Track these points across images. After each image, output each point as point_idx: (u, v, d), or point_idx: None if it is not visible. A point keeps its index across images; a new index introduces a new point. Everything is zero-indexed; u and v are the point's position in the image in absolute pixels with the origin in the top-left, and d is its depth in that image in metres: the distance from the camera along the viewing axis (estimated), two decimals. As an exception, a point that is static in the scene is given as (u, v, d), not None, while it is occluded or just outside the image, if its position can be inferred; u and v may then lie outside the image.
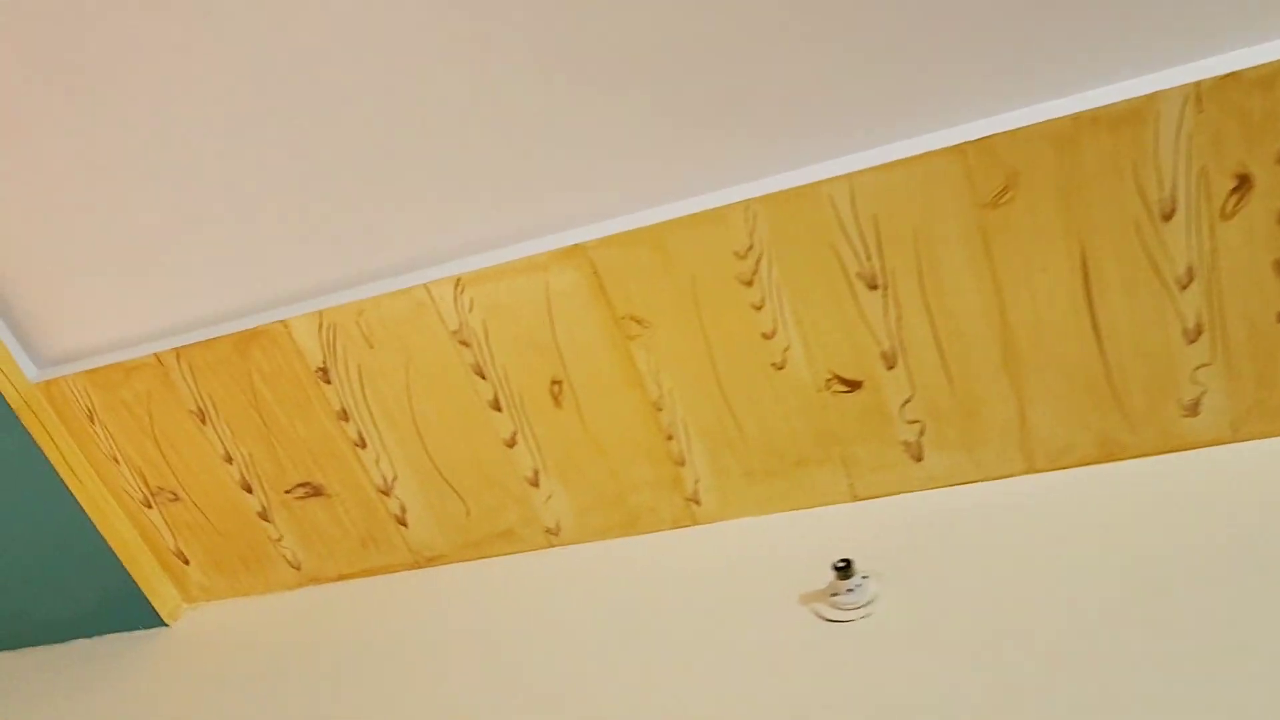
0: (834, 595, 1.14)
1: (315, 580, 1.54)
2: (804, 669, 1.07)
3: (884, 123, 1.07)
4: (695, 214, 1.12)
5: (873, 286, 1.13)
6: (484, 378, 1.29)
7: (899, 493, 1.26)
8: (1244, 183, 1.00)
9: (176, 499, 1.50)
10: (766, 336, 1.19)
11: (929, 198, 1.06)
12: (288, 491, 1.46)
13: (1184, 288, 1.06)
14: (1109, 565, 1.06)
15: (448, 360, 1.29)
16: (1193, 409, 1.13)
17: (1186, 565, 1.02)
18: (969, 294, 1.11)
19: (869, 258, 1.11)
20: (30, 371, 1.46)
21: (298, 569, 1.53)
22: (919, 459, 1.23)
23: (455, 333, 1.26)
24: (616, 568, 1.34)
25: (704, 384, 1.23)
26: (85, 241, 1.35)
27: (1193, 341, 1.09)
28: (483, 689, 1.21)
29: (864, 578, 1.14)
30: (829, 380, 1.20)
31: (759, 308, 1.17)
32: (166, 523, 1.53)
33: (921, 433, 1.21)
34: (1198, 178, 1.00)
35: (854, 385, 1.20)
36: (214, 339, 1.34)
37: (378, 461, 1.40)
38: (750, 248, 1.13)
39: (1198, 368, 1.10)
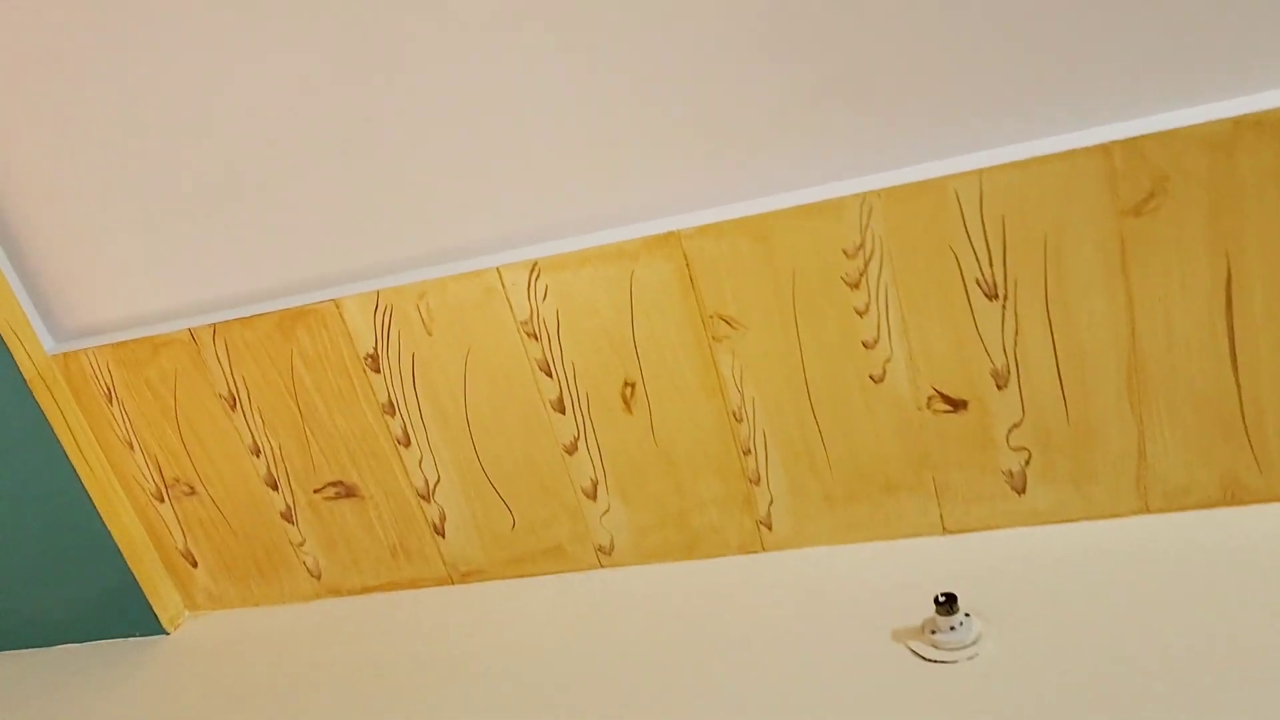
0: (933, 633, 1.03)
1: (335, 592, 1.42)
2: (902, 711, 0.96)
3: (1023, 116, 0.99)
4: (806, 205, 1.04)
5: (991, 296, 1.04)
6: (550, 375, 1.19)
7: (995, 527, 1.16)
8: None
9: (192, 493, 1.38)
10: (867, 346, 1.09)
11: (1066, 200, 0.98)
12: (317, 491, 1.34)
13: (1336, 315, 0.98)
14: (1226, 617, 0.96)
15: (512, 354, 1.18)
16: (1330, 451, 1.04)
17: (1338, 618, 0.92)
18: (1098, 309, 1.02)
19: (990, 263, 1.02)
20: (48, 343, 1.35)
21: (317, 578, 1.41)
22: (1021, 491, 1.13)
23: (524, 323, 1.16)
24: (675, 593, 1.22)
25: (791, 395, 1.14)
26: (123, 203, 1.24)
27: (1338, 376, 1.00)
28: None
29: (966, 615, 1.03)
30: (931, 398, 1.10)
31: (862, 313, 1.08)
32: (178, 519, 1.41)
33: (1027, 462, 1.11)
34: (1367, 193, 0.92)
35: (958, 405, 1.10)
36: (256, 315, 1.23)
37: (421, 462, 1.28)
38: (861, 245, 1.04)
39: (1340, 406, 1.02)
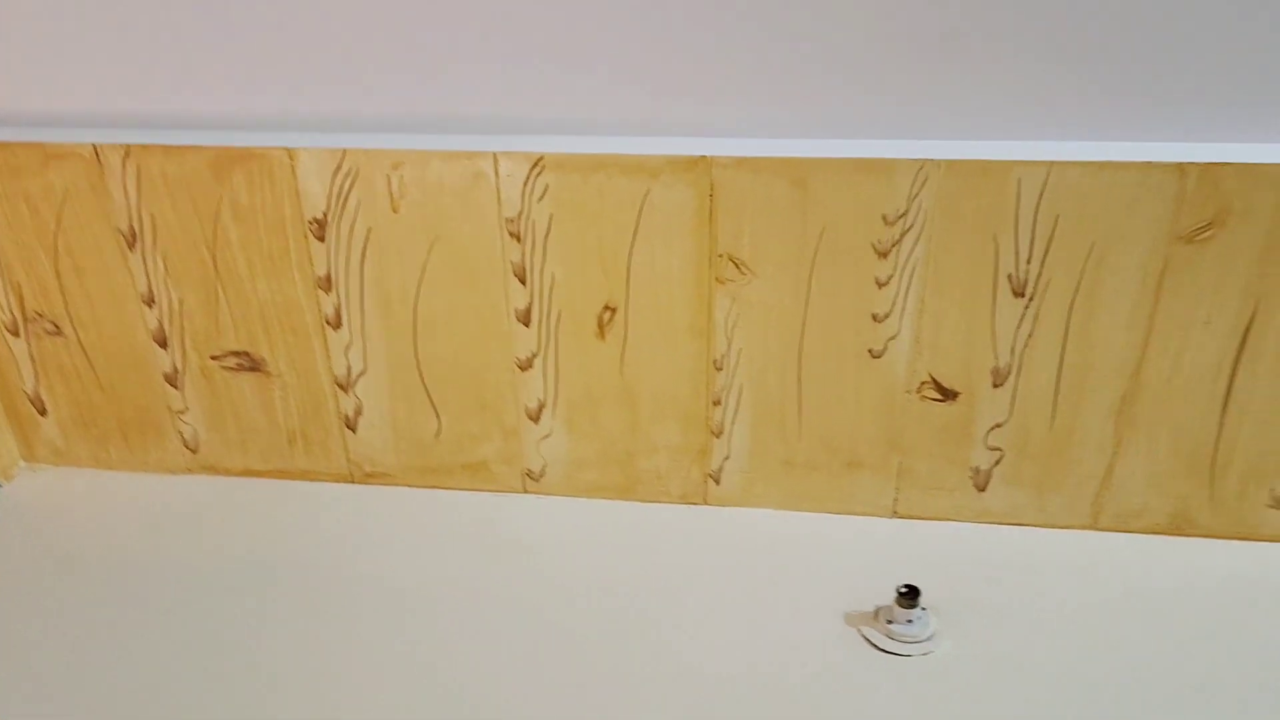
0: (890, 622, 1.00)
1: (211, 469, 1.26)
2: (851, 698, 0.93)
3: (1110, 115, 0.93)
4: (858, 159, 0.95)
5: (1018, 294, 0.99)
6: (524, 283, 1.06)
7: (944, 519, 1.14)
8: None
9: (57, 333, 1.18)
10: (876, 319, 1.03)
11: (1126, 211, 0.94)
12: (215, 358, 1.17)
13: (1333, 377, 0.99)
14: (1159, 636, 0.97)
15: (488, 251, 1.05)
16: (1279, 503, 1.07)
17: (1240, 649, 0.95)
18: (1119, 328, 1.00)
19: (1029, 260, 0.98)
20: (-101, 124, 1.10)
21: (193, 451, 1.24)
22: (982, 489, 1.11)
23: (510, 221, 1.03)
24: (606, 532, 1.15)
25: (781, 353, 1.06)
26: (31, -25, 1.01)
27: (1314, 434, 1.02)
28: (391, 640, 0.99)
29: (924, 609, 1.01)
30: (924, 384, 1.06)
31: (883, 284, 1.01)
32: (32, 358, 1.20)
33: (998, 462, 1.09)
34: (1405, 268, 0.93)
35: (949, 395, 1.06)
36: (187, 147, 1.04)
37: (348, 349, 1.14)
38: (903, 214, 0.97)
39: (1303, 461, 1.04)
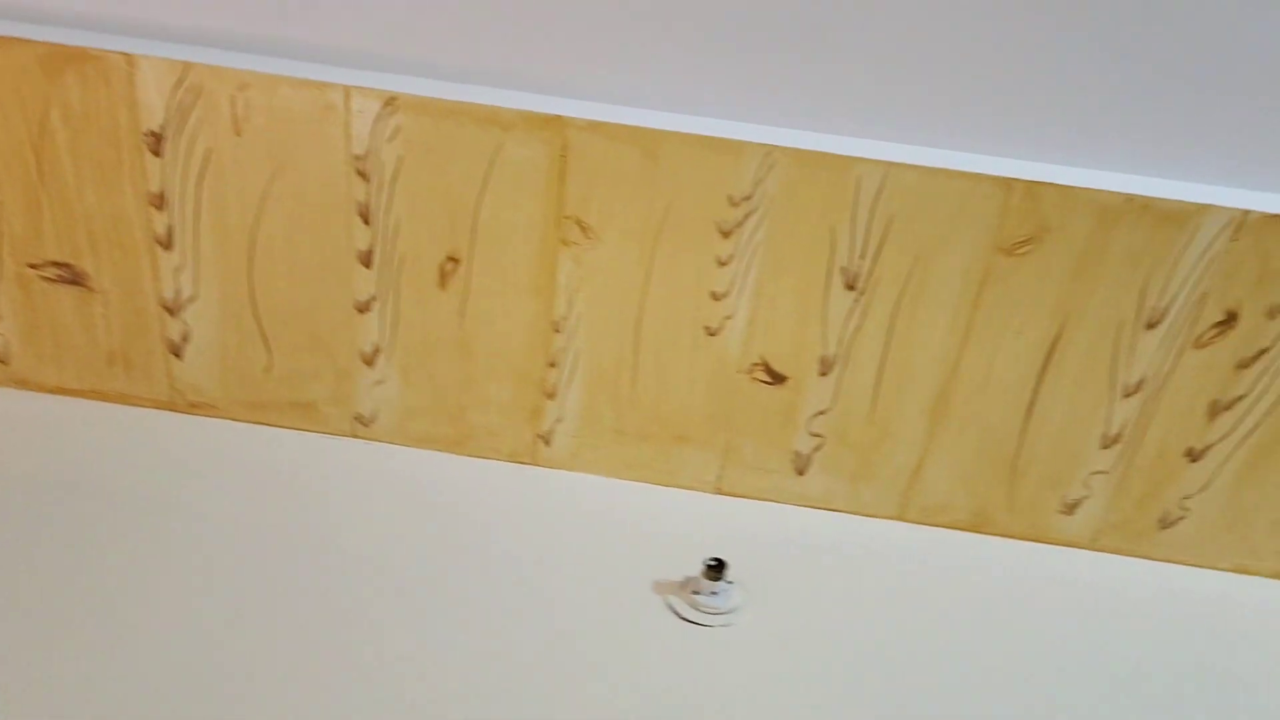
0: (694, 593, 1.03)
1: (22, 383, 1.20)
2: (646, 663, 0.95)
3: (948, 125, 0.97)
4: (711, 137, 0.96)
5: (850, 287, 1.03)
6: (367, 223, 1.05)
7: (763, 499, 1.18)
8: (1230, 320, 1.00)
9: None
10: (715, 297, 1.05)
11: (955, 219, 0.98)
12: (34, 266, 1.11)
13: (1127, 396, 1.06)
14: (955, 623, 1.03)
15: (332, 187, 1.03)
16: (1070, 509, 1.14)
17: (1023, 644, 1.02)
18: (939, 330, 1.04)
19: (863, 256, 1.01)
20: None
21: (4, 363, 1.18)
22: (801, 473, 1.15)
23: (358, 158, 1.01)
24: (432, 482, 1.14)
25: (620, 322, 1.07)
26: None
27: (1105, 447, 1.09)
28: (192, 574, 0.98)
29: (730, 583, 1.04)
30: (756, 365, 1.09)
31: (724, 264, 1.03)
32: None
33: (818, 448, 1.13)
34: (1197, 300, 1.00)
35: (778, 379, 1.09)
36: (14, 39, 0.98)
37: (178, 272, 1.10)
38: (749, 198, 0.99)
39: (1094, 473, 1.11)
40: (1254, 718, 0.98)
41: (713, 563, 1.02)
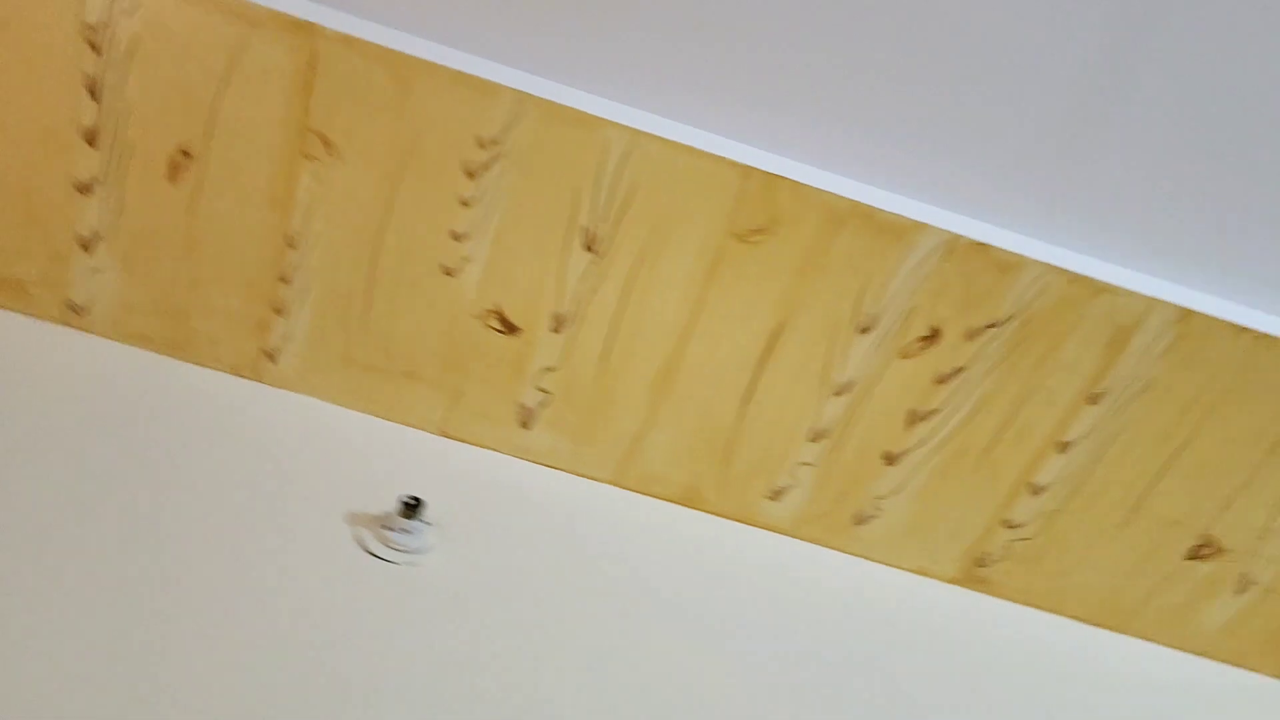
0: (386, 529, 1.02)
1: None
2: (319, 591, 0.94)
3: (700, 103, 0.98)
4: (466, 74, 0.95)
5: (589, 248, 1.04)
6: (95, 100, 0.98)
7: (486, 447, 1.18)
8: (934, 337, 1.07)
9: None
10: (455, 237, 1.04)
11: (694, 197, 1.00)
12: None
13: (837, 394, 1.11)
14: (658, 597, 1.06)
15: (60, 55, 0.96)
16: (776, 495, 1.19)
17: (719, 620, 1.06)
18: (671, 304, 1.06)
19: (604, 219, 1.02)
20: None
21: None
22: (526, 426, 1.16)
23: (90, 28, 0.95)
24: (150, 385, 1.09)
25: (358, 247, 1.05)
26: None
27: (813, 441, 1.14)
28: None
29: (427, 524, 1.04)
30: (490, 312, 1.08)
31: (466, 205, 1.02)
32: None
33: (544, 404, 1.14)
34: (907, 313, 1.05)
35: (511, 329, 1.09)
36: None
37: (-123, 115, 1.01)
38: (497, 141, 0.98)
39: (801, 464, 1.16)
40: (897, 713, 1.05)
41: (410, 501, 1.02)
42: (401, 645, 0.92)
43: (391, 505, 1.06)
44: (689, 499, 1.20)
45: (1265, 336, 1.04)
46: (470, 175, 1.00)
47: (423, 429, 1.17)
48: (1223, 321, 1.03)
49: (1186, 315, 1.03)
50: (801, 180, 0.98)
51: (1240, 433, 1.10)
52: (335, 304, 1.09)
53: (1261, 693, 1.27)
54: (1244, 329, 1.04)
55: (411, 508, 1.02)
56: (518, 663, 0.94)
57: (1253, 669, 1.28)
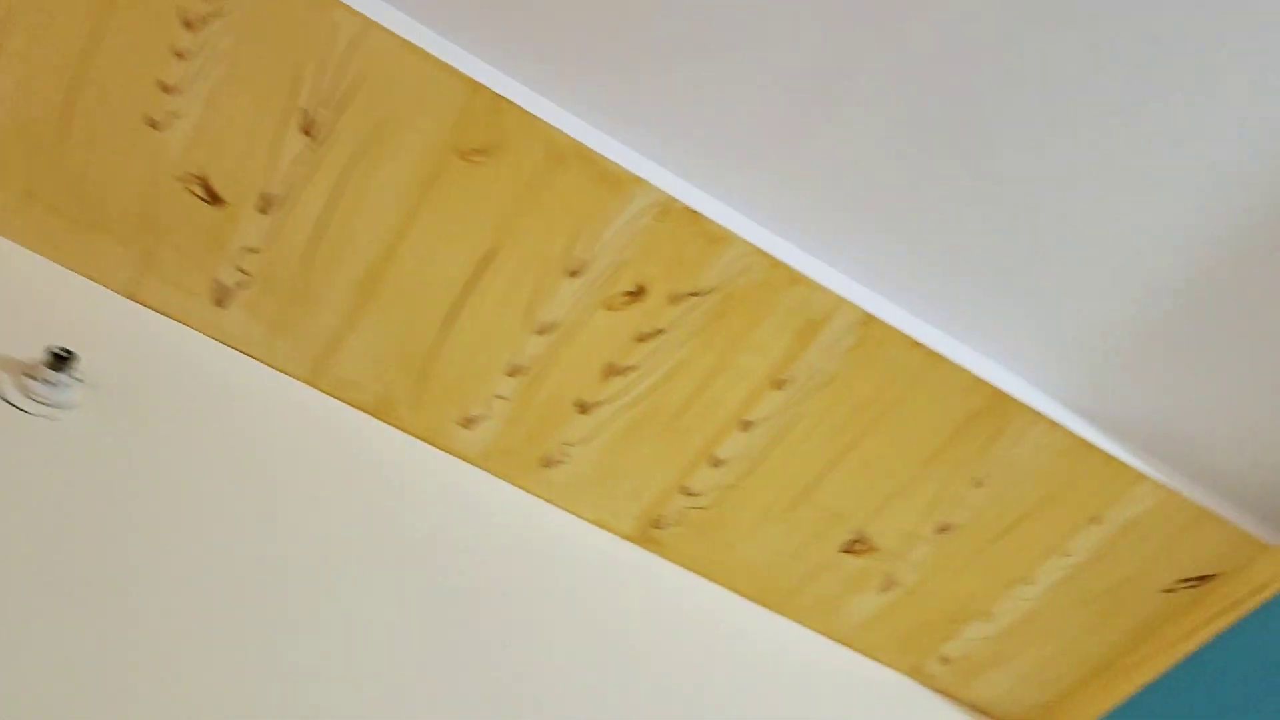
0: (29, 377, 0.96)
1: None
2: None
3: (442, 5, 0.96)
4: (191, -87, 0.89)
5: (306, 133, 1.00)
6: None
7: (176, 319, 1.13)
8: (640, 294, 1.09)
9: None
10: (164, 89, 0.98)
11: (422, 104, 0.98)
12: None
13: (538, 334, 1.12)
14: (318, 497, 1.05)
15: None
16: (469, 424, 1.19)
17: (367, 523, 1.05)
18: (385, 208, 1.04)
19: (325, 105, 0.99)
20: None
21: None
22: (220, 304, 1.11)
23: None
24: None
25: (57, 74, 0.98)
26: None
27: (510, 375, 1.15)
28: None
29: (78, 381, 0.98)
30: (194, 176, 1.03)
31: (181, 56, 0.96)
32: None
33: (241, 286, 1.10)
34: (617, 266, 1.07)
35: (215, 200, 1.04)
36: None
37: None
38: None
39: (497, 396, 1.16)
40: (534, 655, 1.07)
41: (60, 352, 0.96)
42: (9, 496, 0.87)
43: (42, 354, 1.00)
44: (380, 411, 1.19)
45: (934, 354, 1.11)
46: (188, 25, 0.95)
47: (108, 287, 1.11)
48: (900, 332, 1.09)
49: (869, 320, 1.09)
50: (528, 108, 0.98)
51: (903, 440, 1.18)
52: (23, 129, 1.01)
53: (887, 687, 1.36)
54: (918, 343, 1.10)
55: (61, 359, 0.96)
56: (132, 540, 0.91)
57: (885, 664, 1.37)
